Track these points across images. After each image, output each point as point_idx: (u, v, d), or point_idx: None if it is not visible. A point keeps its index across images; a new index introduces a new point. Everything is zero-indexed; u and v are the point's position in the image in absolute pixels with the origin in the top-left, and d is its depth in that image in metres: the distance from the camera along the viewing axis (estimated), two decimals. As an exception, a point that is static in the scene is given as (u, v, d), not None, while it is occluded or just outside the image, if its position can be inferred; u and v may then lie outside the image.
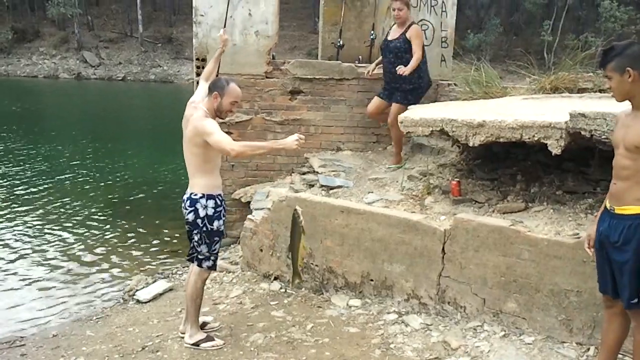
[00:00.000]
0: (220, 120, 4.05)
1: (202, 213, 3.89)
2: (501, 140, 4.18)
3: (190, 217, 3.93)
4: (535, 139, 3.95)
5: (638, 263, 2.82)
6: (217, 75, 4.61)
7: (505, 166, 4.95)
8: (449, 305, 4.16)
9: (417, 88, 5.93)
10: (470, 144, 4.38)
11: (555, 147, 3.85)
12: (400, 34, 5.81)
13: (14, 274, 6.01)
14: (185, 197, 3.98)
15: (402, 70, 5.59)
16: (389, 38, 5.98)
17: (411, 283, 4.36)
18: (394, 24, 6.04)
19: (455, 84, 7.02)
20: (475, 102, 6.00)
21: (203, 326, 4.23)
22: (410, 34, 5.75)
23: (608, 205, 2.96)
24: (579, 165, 4.38)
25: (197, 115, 3.85)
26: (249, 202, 6.22)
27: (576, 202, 4.14)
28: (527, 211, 4.23)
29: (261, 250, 5.30)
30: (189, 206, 3.92)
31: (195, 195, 3.91)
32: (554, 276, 3.66)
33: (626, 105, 2.90)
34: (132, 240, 7.12)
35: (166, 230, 7.45)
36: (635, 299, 2.85)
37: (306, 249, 4.13)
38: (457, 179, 4.87)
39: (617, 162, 2.90)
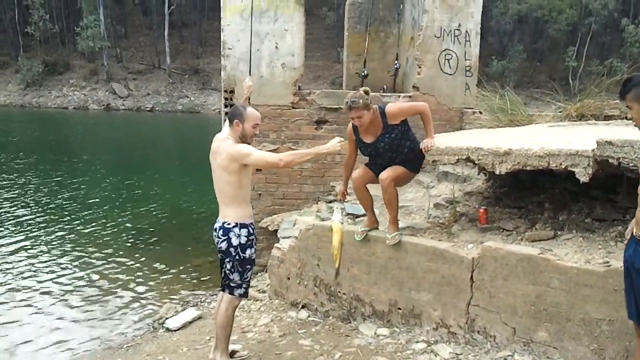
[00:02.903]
0: None
1: (235, 242, 3.96)
2: (528, 168, 4.18)
3: (224, 245, 3.99)
4: (563, 166, 3.94)
5: None
6: None
7: (533, 194, 4.94)
8: (479, 334, 4.13)
9: (416, 159, 4.63)
10: (497, 172, 4.39)
11: (582, 175, 3.84)
12: (383, 127, 4.38)
13: (43, 303, 6.14)
14: (217, 225, 4.05)
15: (428, 145, 4.46)
16: (368, 141, 4.46)
17: (439, 312, 4.35)
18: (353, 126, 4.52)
19: (480, 112, 7.06)
20: (500, 129, 6.03)
21: (232, 354, 4.26)
22: (393, 119, 4.38)
23: (634, 232, 2.96)
24: (607, 192, 4.36)
25: (227, 143, 3.95)
26: (276, 231, 6.29)
27: (605, 229, 4.11)
28: (556, 239, 4.21)
29: (288, 279, 5.34)
30: (222, 235, 3.99)
31: (229, 224, 3.98)
32: (584, 305, 3.62)
33: None
34: (161, 268, 7.24)
35: (194, 259, 7.56)
36: None
37: (337, 248, 4.51)
38: (484, 207, 4.86)
39: None
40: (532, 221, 4.59)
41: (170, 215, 10.13)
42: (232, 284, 4.05)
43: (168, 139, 24.65)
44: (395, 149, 4.43)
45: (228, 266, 4.02)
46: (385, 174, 4.36)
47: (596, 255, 3.80)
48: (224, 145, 3.95)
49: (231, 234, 3.96)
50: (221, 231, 4.00)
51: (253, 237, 4.05)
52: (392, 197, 4.44)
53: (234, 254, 3.97)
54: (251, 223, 4.07)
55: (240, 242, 3.97)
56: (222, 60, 6.89)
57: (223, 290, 4.13)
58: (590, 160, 3.79)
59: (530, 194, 4.96)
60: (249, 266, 4.07)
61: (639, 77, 2.86)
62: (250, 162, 3.88)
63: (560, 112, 6.24)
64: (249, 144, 4.04)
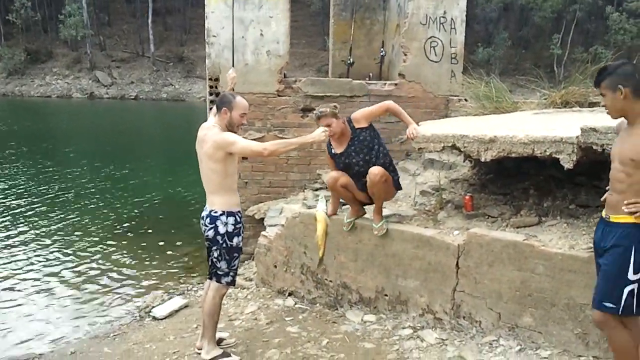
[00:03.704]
0: None
1: (222, 230, 3.95)
2: (513, 155, 4.20)
3: (210, 233, 3.98)
4: (547, 153, 3.96)
5: (615, 268, 2.87)
6: None
7: (518, 181, 4.97)
8: (464, 319, 4.17)
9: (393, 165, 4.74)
10: (482, 160, 4.40)
11: (567, 162, 3.87)
12: (351, 133, 4.48)
13: (31, 292, 6.09)
14: (204, 214, 4.04)
15: (413, 132, 4.53)
16: (338, 151, 4.53)
17: (426, 298, 4.38)
18: (329, 140, 4.58)
19: (465, 99, 7.07)
20: (486, 117, 6.04)
21: (219, 342, 4.27)
22: (359, 122, 4.49)
23: (604, 214, 3.03)
24: (591, 179, 4.40)
25: (213, 132, 3.93)
26: (262, 219, 6.28)
27: (589, 215, 4.15)
28: (540, 225, 4.24)
29: (275, 267, 5.34)
30: (209, 223, 3.98)
31: (216, 212, 3.97)
32: (569, 290, 3.67)
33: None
34: (148, 257, 7.20)
35: (180, 247, 7.53)
36: (605, 302, 2.90)
37: (321, 238, 4.49)
38: (470, 194, 4.89)
39: (612, 175, 2.98)
40: (517, 208, 4.63)
41: (157, 204, 10.08)
42: (219, 272, 4.04)
43: (153, 127, 24.47)
44: (368, 153, 4.46)
45: (215, 254, 4.01)
46: (376, 169, 4.34)
47: (580, 241, 3.84)
48: (210, 133, 3.93)
49: (218, 222, 3.95)
50: (208, 219, 3.98)
51: (240, 225, 4.05)
52: (380, 190, 4.42)
53: (221, 242, 3.96)
54: (238, 211, 4.06)
55: (227, 230, 3.96)
56: (206, 48, 6.82)
57: (210, 279, 4.13)
58: (574, 147, 3.82)
59: (515, 181, 5.00)
60: (236, 254, 4.06)
61: (614, 67, 2.93)
62: (235, 150, 3.87)
63: (545, 99, 6.27)
64: (235, 132, 4.02)
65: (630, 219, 2.83)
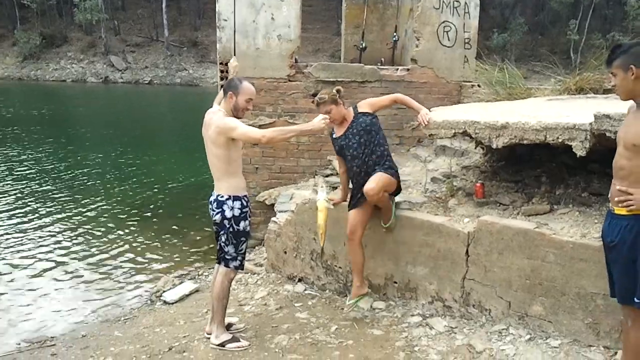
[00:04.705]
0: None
1: (228, 214, 3.96)
2: (525, 142, 4.14)
3: (217, 218, 4.00)
4: (560, 140, 3.90)
5: (630, 262, 2.82)
6: None
7: (530, 168, 4.91)
8: (474, 308, 4.15)
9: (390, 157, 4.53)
10: (494, 146, 4.35)
11: (580, 149, 3.81)
12: (353, 117, 4.39)
13: (44, 276, 6.16)
14: (211, 199, 4.05)
15: (424, 117, 4.42)
16: (337, 135, 4.44)
17: (435, 285, 4.36)
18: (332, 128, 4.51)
19: (478, 85, 6.99)
20: (499, 103, 5.97)
21: (228, 327, 4.29)
22: (364, 107, 4.41)
23: (610, 206, 2.96)
24: (604, 166, 4.32)
25: (217, 116, 3.93)
26: (273, 205, 6.29)
27: (602, 204, 4.08)
28: (552, 213, 4.19)
29: (285, 252, 5.35)
30: (215, 207, 3.99)
31: (222, 196, 3.98)
32: (580, 279, 3.63)
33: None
34: (159, 242, 7.25)
35: (192, 232, 7.57)
36: (630, 298, 2.85)
37: (322, 227, 4.31)
38: (481, 181, 4.84)
39: (615, 162, 2.92)
40: (529, 195, 4.57)
41: (169, 189, 10.12)
42: (227, 257, 4.05)
43: (168, 112, 24.51)
44: (364, 136, 4.30)
45: (223, 238, 4.03)
46: (369, 185, 4.14)
47: (592, 229, 3.79)
48: (215, 118, 3.93)
49: (225, 207, 3.96)
50: (215, 204, 4.00)
51: (247, 209, 4.04)
52: (380, 201, 4.27)
53: (227, 226, 3.97)
54: (245, 195, 4.06)
55: (233, 215, 3.96)
56: (217, 32, 6.79)
57: (219, 263, 4.14)
58: (587, 133, 3.75)
59: (527, 168, 4.94)
60: (243, 238, 4.06)
61: (628, 45, 2.85)
62: (235, 136, 3.85)
63: (559, 85, 6.18)
64: (240, 117, 4.01)
65: (634, 211, 2.77)
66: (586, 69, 6.19)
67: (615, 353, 3.50)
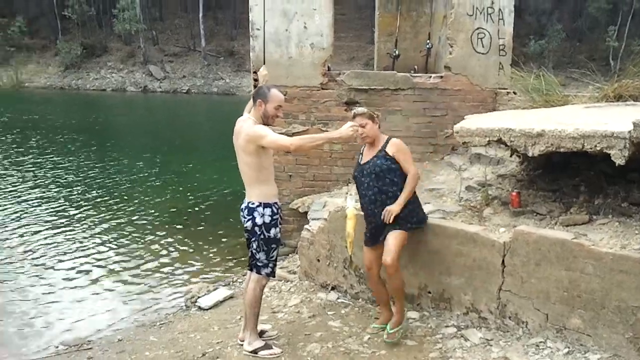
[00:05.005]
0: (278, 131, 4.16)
1: (259, 221, 3.99)
2: (562, 150, 4.06)
3: (249, 225, 4.03)
4: (598, 148, 3.81)
5: None
6: None
7: (567, 177, 4.81)
8: (510, 320, 4.07)
9: (415, 209, 4.27)
10: (529, 154, 4.28)
11: (618, 157, 3.71)
12: (378, 151, 4.19)
13: (83, 280, 6.32)
14: (243, 206, 4.10)
15: (391, 212, 4.05)
16: (362, 162, 4.29)
17: (470, 296, 4.30)
18: (363, 148, 4.38)
19: (514, 92, 6.89)
20: (535, 110, 5.87)
21: (261, 334, 4.31)
22: (392, 149, 4.15)
23: None
24: (645, 175, 4.22)
25: (247, 124, 3.98)
26: (306, 212, 6.30)
27: (644, 214, 3.98)
28: (591, 224, 4.09)
29: (318, 260, 5.35)
30: (247, 215, 4.03)
31: (253, 204, 4.01)
32: (620, 292, 3.53)
33: None
34: (195, 248, 7.36)
35: (228, 239, 7.65)
36: None
37: (351, 235, 4.24)
38: (517, 190, 4.77)
39: None
40: (567, 205, 4.48)
41: (206, 197, 10.26)
42: (258, 263, 4.08)
43: (205, 121, 24.82)
44: (377, 177, 4.11)
45: (254, 245, 4.06)
46: (387, 257, 4.01)
47: (632, 240, 3.69)
48: (245, 126, 3.97)
49: (255, 214, 3.99)
50: (246, 211, 4.04)
51: (277, 216, 4.07)
52: (398, 283, 4.14)
53: (258, 233, 4.00)
54: (275, 202, 4.09)
55: (264, 222, 3.99)
56: (250, 41, 6.88)
57: (251, 270, 4.17)
58: (626, 142, 3.66)
59: (565, 177, 4.84)
60: (274, 245, 4.09)
61: None
62: (264, 143, 3.88)
63: (597, 92, 6.04)
64: (270, 124, 4.04)
65: None
66: (625, 76, 6.04)
67: (658, 368, 3.39)
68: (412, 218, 4.20)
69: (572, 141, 3.96)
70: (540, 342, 3.85)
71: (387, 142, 4.22)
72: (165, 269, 6.63)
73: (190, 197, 10.20)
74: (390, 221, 4.05)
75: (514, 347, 3.88)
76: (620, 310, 3.54)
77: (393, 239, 4.07)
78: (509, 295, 4.06)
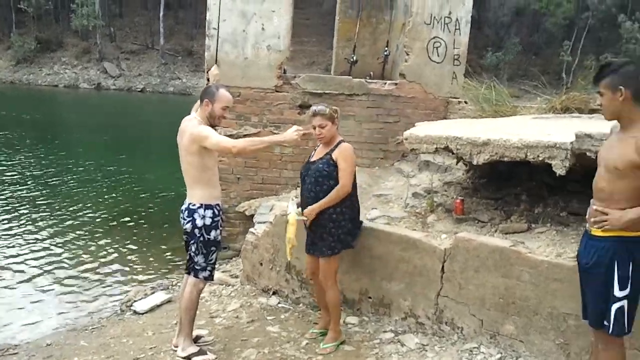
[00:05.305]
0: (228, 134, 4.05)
1: (199, 223, 3.87)
2: (506, 159, 4.09)
3: (188, 227, 3.91)
4: (540, 159, 3.85)
5: (603, 286, 2.74)
6: None
7: (511, 186, 4.85)
8: (446, 325, 4.06)
9: (344, 227, 4.04)
10: (474, 163, 4.30)
11: (559, 168, 3.76)
12: (326, 153, 4.01)
13: (12, 281, 6.04)
14: (183, 207, 3.98)
15: (308, 212, 3.95)
16: (312, 159, 4.14)
17: (409, 302, 4.27)
18: (319, 145, 4.18)
19: (465, 102, 6.96)
20: (484, 120, 5.93)
21: (197, 340, 4.18)
22: (338, 154, 3.96)
23: (587, 227, 2.88)
24: (585, 186, 4.26)
25: (192, 124, 3.87)
26: (253, 215, 6.19)
27: (580, 224, 4.01)
28: (529, 232, 4.13)
29: (261, 264, 5.24)
30: (187, 216, 3.92)
31: (194, 205, 3.90)
32: (553, 299, 3.56)
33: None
34: (136, 250, 7.14)
35: (170, 242, 7.45)
36: (601, 321, 2.78)
37: (292, 240, 4.06)
38: (461, 197, 4.79)
39: (595, 182, 2.86)
40: (508, 213, 4.52)
41: (154, 197, 10.02)
42: (196, 267, 3.96)
43: (159, 120, 24.33)
44: (316, 180, 3.96)
45: (193, 248, 3.94)
46: (322, 276, 4.04)
47: (568, 249, 3.73)
48: (190, 125, 3.86)
49: (196, 215, 3.87)
50: (186, 212, 3.92)
51: (218, 218, 3.96)
52: (333, 298, 4.05)
53: (198, 235, 3.89)
54: (217, 204, 3.98)
55: (204, 224, 3.88)
56: (206, 40, 6.74)
57: (188, 273, 4.05)
58: (567, 152, 3.71)
59: (508, 186, 4.88)
60: (213, 248, 3.97)
61: (618, 65, 2.73)
62: (207, 144, 3.78)
63: (545, 104, 6.15)
64: (216, 125, 3.95)
65: (610, 233, 2.70)
66: (573, 89, 6.18)
67: (586, 376, 3.42)
68: (338, 244, 4.02)
69: (516, 151, 4.00)
70: (474, 347, 3.86)
71: (337, 145, 4.02)
72: (103, 272, 6.41)
73: (137, 198, 9.95)
74: (307, 217, 3.96)
75: (448, 353, 3.87)
76: (552, 317, 3.57)
77: (325, 263, 4.02)
78: (447, 301, 4.05)
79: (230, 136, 6.52)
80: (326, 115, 3.96)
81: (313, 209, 3.93)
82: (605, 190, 2.73)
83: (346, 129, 6.80)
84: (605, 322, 2.75)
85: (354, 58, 8.91)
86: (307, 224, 4.02)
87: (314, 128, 4.00)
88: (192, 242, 3.93)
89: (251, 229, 5.53)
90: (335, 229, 3.98)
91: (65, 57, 40.20)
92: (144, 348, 4.23)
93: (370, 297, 4.51)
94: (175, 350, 4.07)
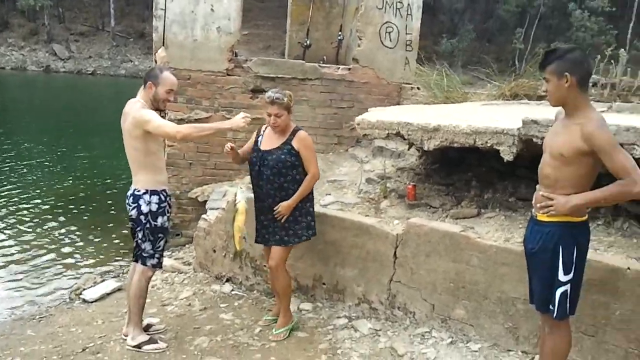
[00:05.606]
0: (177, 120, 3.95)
1: (145, 209, 3.78)
2: (455, 145, 4.15)
3: (134, 213, 3.82)
4: (489, 145, 3.92)
5: (548, 271, 2.79)
6: None
7: (461, 172, 4.93)
8: (399, 310, 4.11)
9: (311, 213, 4.09)
10: (425, 148, 4.35)
11: (507, 154, 3.83)
12: (283, 143, 3.93)
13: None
14: (128, 193, 3.88)
15: (282, 212, 3.93)
16: (264, 148, 3.99)
17: (363, 287, 4.30)
18: (265, 128, 4.10)
19: (418, 88, 7.01)
20: (435, 106, 6.00)
21: (148, 328, 4.10)
22: (298, 144, 3.93)
23: (533, 212, 2.93)
24: (533, 172, 4.36)
25: (135, 107, 3.75)
26: (205, 202, 6.10)
27: (528, 209, 4.09)
28: (479, 217, 4.21)
29: (214, 251, 5.18)
30: (132, 202, 3.82)
31: (139, 191, 3.80)
32: (501, 283, 3.63)
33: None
34: (86, 238, 6.93)
35: (122, 229, 7.25)
36: (547, 306, 2.84)
37: (242, 230, 4.01)
38: (413, 183, 4.83)
39: (540, 168, 2.89)
40: (459, 199, 4.59)
41: (105, 183, 9.75)
42: (144, 254, 3.87)
43: (109, 103, 23.69)
44: (279, 171, 3.89)
45: (139, 235, 3.85)
46: (271, 262, 4.01)
47: (516, 234, 3.81)
48: (133, 109, 3.74)
49: (141, 201, 3.78)
50: (131, 198, 3.82)
51: (165, 204, 3.87)
52: (284, 284, 4.06)
53: (144, 221, 3.79)
54: (163, 190, 3.88)
55: (150, 210, 3.78)
56: (153, 21, 6.54)
57: (136, 261, 3.95)
58: (515, 138, 3.78)
59: (459, 172, 4.96)
60: (161, 235, 3.89)
61: (563, 51, 2.73)
62: (149, 129, 3.66)
63: (495, 91, 6.26)
64: (161, 109, 3.85)
65: (556, 218, 2.75)
66: (522, 76, 6.30)
67: (533, 358, 3.52)
68: (293, 233, 4.01)
69: (465, 137, 4.06)
70: (426, 332, 3.92)
71: (293, 133, 3.96)
72: (51, 259, 6.19)
73: (87, 184, 9.65)
74: (282, 221, 3.93)
75: (400, 337, 3.92)
76: (501, 302, 3.64)
77: (281, 250, 4.00)
78: (399, 286, 4.09)
79: (181, 120, 6.40)
80: (283, 104, 3.88)
81: (289, 205, 3.90)
82: (550, 177, 2.78)
83: (300, 114, 6.75)
84: (551, 307, 2.81)
85: (308, 42, 8.83)
86: (282, 220, 3.94)
87: (269, 115, 3.90)
88: (138, 229, 3.84)
89: (204, 216, 5.45)
90: (302, 216, 4.00)
91: (12, 39, 38.59)
92: (93, 337, 4.13)
93: (324, 283, 4.52)
94: (125, 339, 3.98)
